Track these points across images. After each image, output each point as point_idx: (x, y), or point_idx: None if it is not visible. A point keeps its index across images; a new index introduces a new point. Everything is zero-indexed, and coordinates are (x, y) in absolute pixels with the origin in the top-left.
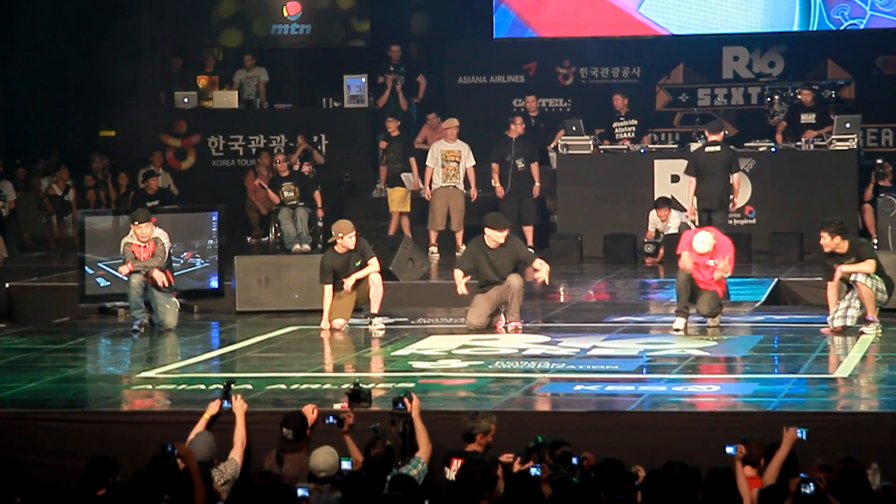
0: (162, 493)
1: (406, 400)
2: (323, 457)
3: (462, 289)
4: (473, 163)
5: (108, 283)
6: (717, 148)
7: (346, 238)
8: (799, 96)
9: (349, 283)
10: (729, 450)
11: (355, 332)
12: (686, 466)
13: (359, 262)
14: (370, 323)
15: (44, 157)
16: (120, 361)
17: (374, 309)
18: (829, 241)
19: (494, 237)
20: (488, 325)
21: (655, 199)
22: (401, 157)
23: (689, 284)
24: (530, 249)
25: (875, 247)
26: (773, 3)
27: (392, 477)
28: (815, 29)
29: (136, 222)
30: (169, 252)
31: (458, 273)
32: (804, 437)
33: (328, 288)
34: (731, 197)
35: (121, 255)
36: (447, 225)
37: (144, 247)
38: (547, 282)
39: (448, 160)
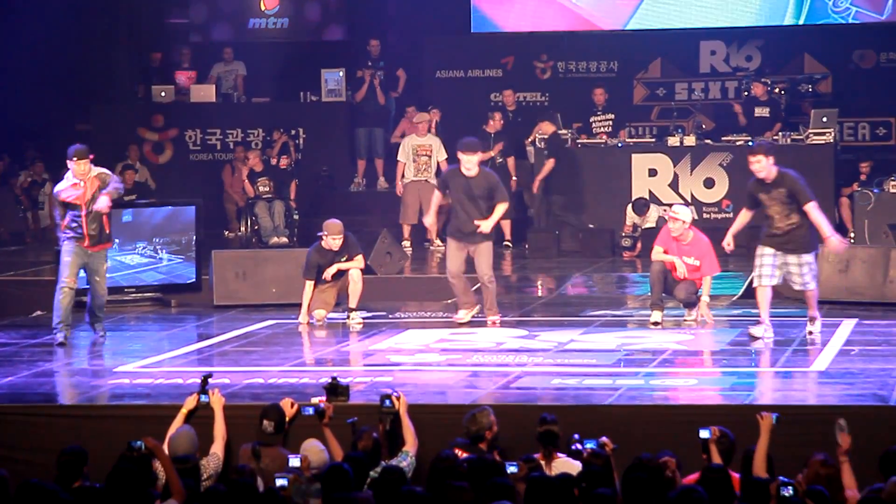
0: (140, 486)
1: (394, 398)
2: (316, 453)
3: (431, 218)
4: (445, 156)
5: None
6: None
7: (329, 238)
8: (752, 90)
9: (330, 271)
10: (704, 433)
11: (333, 327)
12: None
13: (345, 258)
14: (348, 317)
15: (20, 151)
16: (97, 355)
17: (353, 304)
18: (764, 164)
19: (465, 161)
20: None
21: (634, 199)
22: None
23: (662, 276)
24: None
25: (851, 241)
26: None
27: (382, 469)
28: (804, 18)
29: (76, 158)
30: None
31: (436, 194)
32: (775, 422)
33: (309, 283)
34: None
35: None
36: (419, 219)
37: (83, 186)
38: (486, 231)
39: (419, 154)
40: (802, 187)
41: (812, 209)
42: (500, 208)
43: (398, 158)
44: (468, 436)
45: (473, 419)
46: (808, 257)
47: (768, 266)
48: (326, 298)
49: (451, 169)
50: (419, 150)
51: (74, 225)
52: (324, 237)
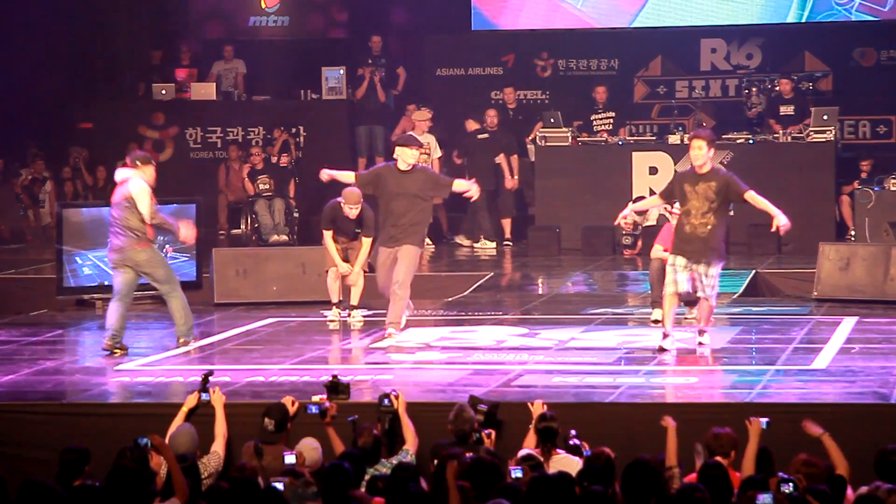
0: (140, 484)
1: (392, 397)
2: (309, 451)
3: (326, 175)
4: (440, 154)
5: (93, 273)
6: None
7: (346, 207)
8: (777, 87)
9: (331, 274)
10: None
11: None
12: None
13: (358, 230)
14: (349, 315)
15: (21, 149)
16: (98, 353)
17: (354, 301)
18: (704, 153)
19: (405, 156)
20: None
21: (634, 198)
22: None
23: (661, 274)
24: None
25: (852, 238)
26: None
27: (395, 466)
28: (808, 12)
29: (154, 162)
30: None
31: (349, 174)
32: (765, 427)
33: (328, 234)
34: None
35: (153, 218)
36: None
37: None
38: (475, 197)
39: (421, 153)
40: (738, 180)
41: (753, 196)
42: (460, 183)
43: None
44: (458, 434)
45: (461, 417)
46: (716, 269)
47: (680, 275)
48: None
49: (384, 165)
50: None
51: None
52: (342, 204)
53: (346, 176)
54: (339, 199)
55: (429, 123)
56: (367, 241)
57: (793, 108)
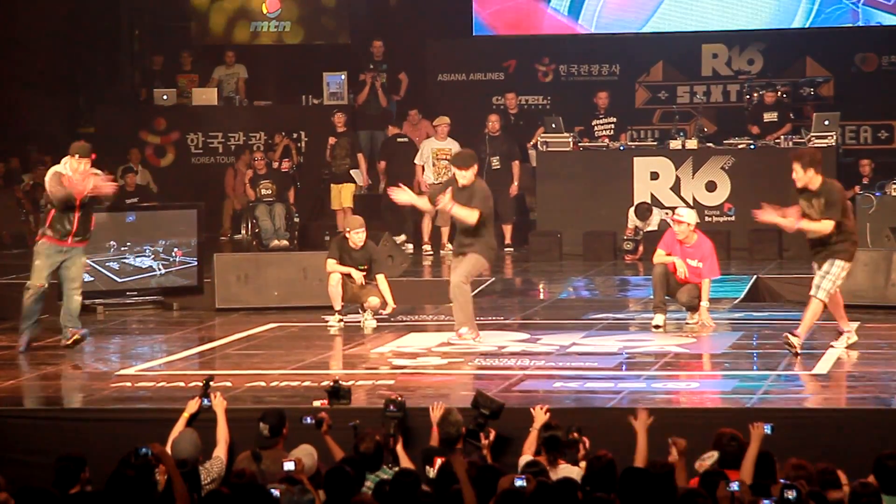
0: (140, 492)
1: (398, 403)
2: (304, 459)
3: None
4: None
5: (93, 279)
6: None
7: (351, 235)
8: (764, 95)
9: (357, 277)
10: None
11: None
12: (664, 465)
13: (363, 266)
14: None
15: (22, 154)
16: (99, 359)
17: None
18: (801, 175)
19: (460, 178)
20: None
21: (636, 203)
22: (348, 153)
23: (664, 279)
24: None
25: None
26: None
27: (397, 471)
28: (816, 10)
29: (78, 156)
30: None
31: (424, 199)
32: (770, 432)
33: (331, 261)
34: None
35: (50, 193)
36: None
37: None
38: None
39: (440, 158)
40: (834, 198)
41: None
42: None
43: (415, 161)
44: (446, 438)
45: (447, 421)
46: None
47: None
48: (365, 293)
49: (448, 182)
50: (440, 153)
51: (61, 224)
52: (346, 234)
53: (424, 203)
54: (343, 232)
55: (447, 128)
56: (382, 278)
57: (776, 114)
